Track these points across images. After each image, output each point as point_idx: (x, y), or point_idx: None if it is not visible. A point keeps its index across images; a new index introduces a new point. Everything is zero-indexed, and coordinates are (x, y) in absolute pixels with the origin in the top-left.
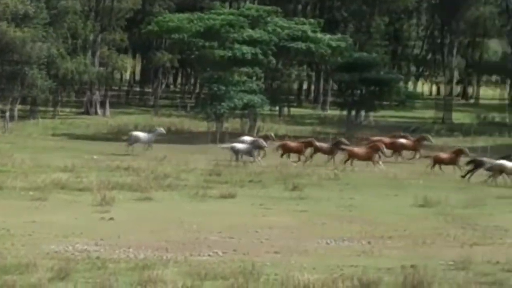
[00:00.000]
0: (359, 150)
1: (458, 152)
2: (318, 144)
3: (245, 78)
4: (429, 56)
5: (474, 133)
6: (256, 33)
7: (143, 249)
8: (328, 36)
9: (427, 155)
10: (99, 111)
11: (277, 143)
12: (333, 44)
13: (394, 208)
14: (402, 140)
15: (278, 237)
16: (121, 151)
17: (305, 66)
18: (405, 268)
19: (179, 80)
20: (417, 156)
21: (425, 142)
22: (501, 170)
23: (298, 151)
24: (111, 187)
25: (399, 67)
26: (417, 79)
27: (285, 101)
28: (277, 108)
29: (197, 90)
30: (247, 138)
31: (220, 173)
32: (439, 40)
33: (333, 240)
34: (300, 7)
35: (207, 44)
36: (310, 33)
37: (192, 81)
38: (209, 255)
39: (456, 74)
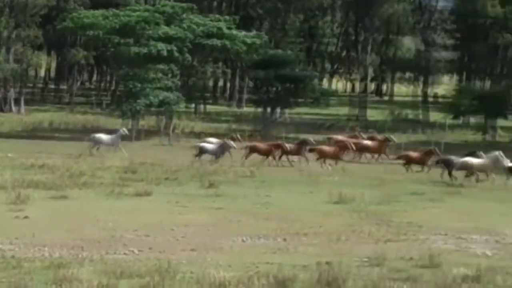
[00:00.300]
0: (328, 149)
1: (429, 153)
2: (286, 145)
3: (160, 75)
4: (344, 53)
5: (388, 130)
6: (172, 30)
7: (58, 247)
8: (243, 33)
9: (399, 155)
10: (13, 108)
11: (245, 143)
12: (248, 41)
13: (309, 205)
14: (367, 141)
15: (194, 235)
16: (36, 149)
17: (220, 63)
18: (320, 265)
19: (94, 77)
20: (380, 156)
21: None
22: (469, 168)
23: (267, 153)
24: (25, 185)
25: (314, 64)
26: (331, 76)
27: (200, 98)
28: (192, 105)
29: (112, 88)
30: (212, 139)
31: (136, 170)
32: (353, 38)
33: (248, 237)
34: (215, 4)
35: (122, 41)
36: (225, 30)
37: (108, 78)
38: (125, 253)
39: (370, 71)
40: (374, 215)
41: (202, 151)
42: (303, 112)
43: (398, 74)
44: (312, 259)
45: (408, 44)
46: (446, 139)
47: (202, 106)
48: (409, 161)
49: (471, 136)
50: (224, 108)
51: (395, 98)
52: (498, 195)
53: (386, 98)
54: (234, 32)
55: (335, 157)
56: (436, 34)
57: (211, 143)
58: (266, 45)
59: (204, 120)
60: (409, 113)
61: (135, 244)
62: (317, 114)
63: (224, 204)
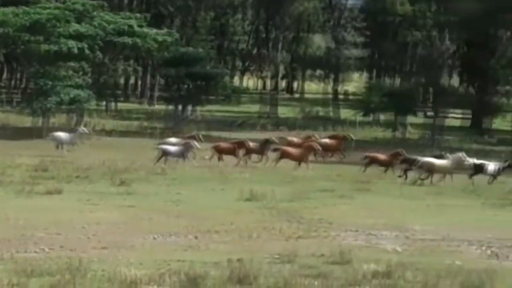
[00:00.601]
0: (293, 150)
1: (395, 154)
2: (250, 144)
3: (71, 73)
4: (255, 51)
5: (299, 127)
6: (82, 28)
7: None
8: (154, 30)
9: (365, 155)
10: None
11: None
12: (159, 38)
13: (221, 202)
14: (326, 140)
15: (105, 233)
16: None
17: (131, 61)
18: (232, 262)
19: (5, 75)
20: (338, 156)
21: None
22: (430, 168)
23: (231, 152)
24: None
25: (225, 62)
26: (243, 74)
27: (111, 96)
28: (103, 103)
29: (23, 85)
30: (173, 139)
31: (47, 168)
32: (264, 35)
33: (160, 235)
34: (126, 1)
35: (32, 38)
36: (136, 28)
37: (18, 76)
38: (35, 251)
39: (281, 69)
40: (285, 212)
41: (165, 153)
42: (215, 109)
43: (308, 72)
44: (223, 256)
45: (319, 42)
46: (356, 136)
47: (113, 104)
48: (374, 163)
49: (381, 133)
50: (135, 106)
51: (306, 96)
52: (408, 192)
53: (297, 95)
54: (145, 29)
55: (300, 158)
56: (346, 32)
57: (171, 144)
58: (177, 43)
59: (115, 118)
60: (320, 110)
61: (46, 242)
62: (228, 111)
63: (135, 202)
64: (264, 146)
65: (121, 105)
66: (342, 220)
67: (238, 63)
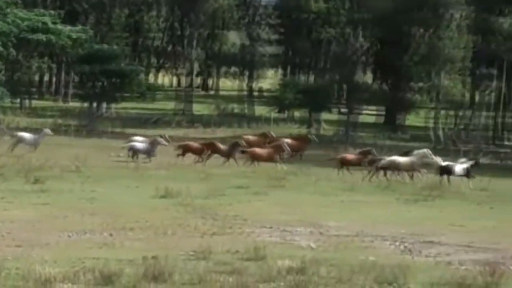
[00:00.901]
0: (261, 151)
1: (366, 153)
2: (218, 145)
3: None
4: (170, 48)
5: (214, 124)
6: None
7: None
8: (68, 27)
9: (332, 157)
10: None
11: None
12: (74, 35)
13: (136, 199)
14: (287, 140)
15: (19, 231)
16: None
17: (46, 58)
18: (147, 259)
19: None
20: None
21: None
22: (395, 166)
23: (199, 152)
24: None
25: (140, 59)
26: (158, 71)
27: (26, 93)
28: (18, 100)
29: None
30: (138, 137)
31: None
32: (179, 32)
33: (74, 232)
34: None
35: None
36: (50, 25)
37: None
38: None
39: (196, 66)
40: (200, 209)
41: (134, 151)
42: (130, 106)
43: (223, 69)
44: (138, 253)
45: (233, 39)
46: (271, 132)
47: (27, 101)
48: (344, 163)
49: (296, 129)
50: (50, 103)
51: (221, 93)
52: (322, 188)
53: (212, 92)
54: (60, 26)
55: (269, 159)
56: (261, 29)
57: (138, 142)
58: (92, 40)
59: (29, 116)
60: (235, 107)
61: None
62: (143, 108)
63: (50, 200)
64: (233, 149)
65: (35, 103)
66: (257, 217)
67: (153, 60)
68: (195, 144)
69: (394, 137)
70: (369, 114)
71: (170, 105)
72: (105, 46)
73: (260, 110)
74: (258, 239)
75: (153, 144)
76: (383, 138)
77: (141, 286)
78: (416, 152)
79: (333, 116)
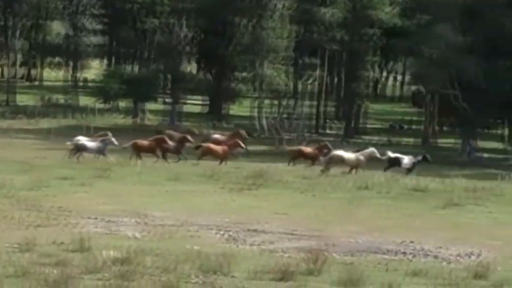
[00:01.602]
0: (216, 147)
1: (322, 147)
2: (168, 142)
3: None
4: None
5: (38, 115)
6: None
7: None
8: None
9: (289, 149)
10: None
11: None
12: None
13: None
14: (217, 136)
15: None
16: None
17: None
18: None
19: None
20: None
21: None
22: (341, 160)
23: (150, 150)
24: None
25: None
26: None
27: None
28: None
29: None
30: (81, 137)
31: None
32: (2, 22)
33: None
34: None
35: None
36: None
37: None
38: None
39: (19, 56)
40: (24, 201)
41: (80, 148)
42: None
43: (48, 59)
44: None
45: (58, 29)
46: (96, 123)
47: None
48: (302, 156)
49: (121, 120)
50: None
51: (46, 83)
52: (147, 178)
53: (36, 83)
54: None
55: (224, 156)
56: (85, 19)
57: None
58: None
59: None
60: (60, 98)
61: None
62: None
63: None
64: (181, 145)
65: None
66: (82, 208)
67: None
68: (145, 142)
69: (219, 126)
70: (194, 104)
71: None
72: None
73: (85, 100)
74: (83, 230)
75: (105, 143)
76: (208, 127)
77: None
78: (364, 151)
79: (158, 106)
